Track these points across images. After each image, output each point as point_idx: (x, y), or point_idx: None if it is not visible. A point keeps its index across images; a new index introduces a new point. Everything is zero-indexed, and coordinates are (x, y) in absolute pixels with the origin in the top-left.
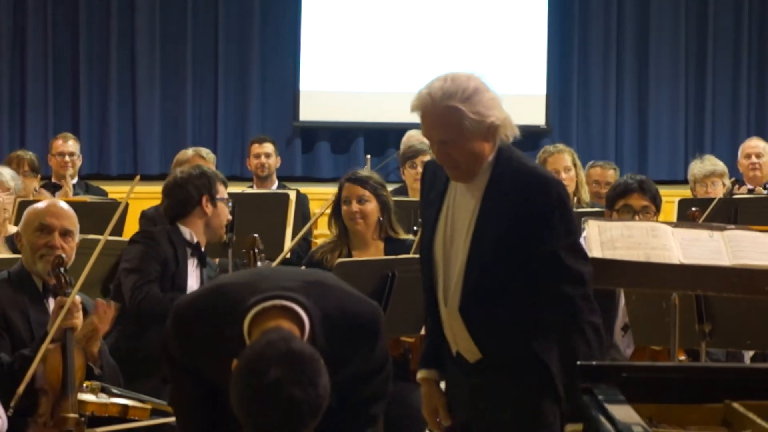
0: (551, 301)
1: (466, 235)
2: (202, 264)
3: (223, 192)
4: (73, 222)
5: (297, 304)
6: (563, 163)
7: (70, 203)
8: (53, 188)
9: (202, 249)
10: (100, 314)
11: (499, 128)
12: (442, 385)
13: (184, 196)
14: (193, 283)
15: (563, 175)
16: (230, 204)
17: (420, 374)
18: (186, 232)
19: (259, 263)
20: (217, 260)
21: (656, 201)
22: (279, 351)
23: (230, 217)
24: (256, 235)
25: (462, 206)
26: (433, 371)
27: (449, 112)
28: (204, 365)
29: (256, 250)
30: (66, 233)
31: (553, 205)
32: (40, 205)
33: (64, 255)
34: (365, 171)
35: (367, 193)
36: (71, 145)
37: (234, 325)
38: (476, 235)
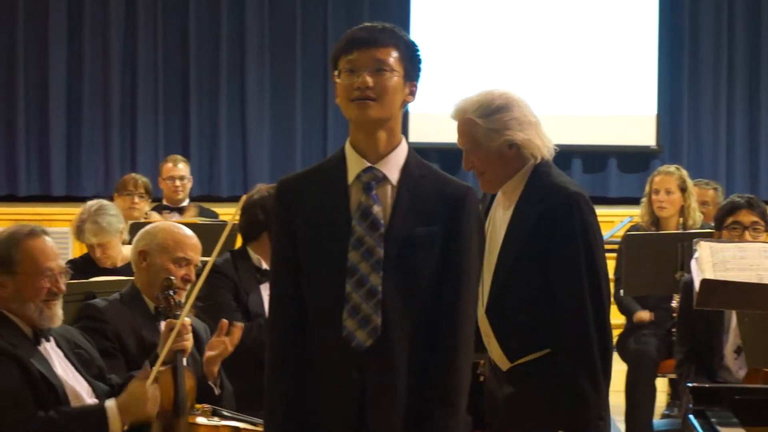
0: (561, 323)
1: (499, 243)
2: None
3: None
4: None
5: None
6: (666, 185)
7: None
8: (166, 211)
9: None
10: (227, 337)
11: (520, 147)
12: None
13: (255, 218)
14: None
15: (663, 196)
16: None
17: None
18: (254, 256)
19: None
20: None
21: (765, 218)
22: None
23: None
24: None
25: (499, 218)
26: None
27: (467, 124)
28: (305, 211)
29: None
30: (196, 266)
31: (573, 219)
32: (178, 232)
33: (173, 278)
34: None
35: None
36: (181, 168)
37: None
38: (506, 241)
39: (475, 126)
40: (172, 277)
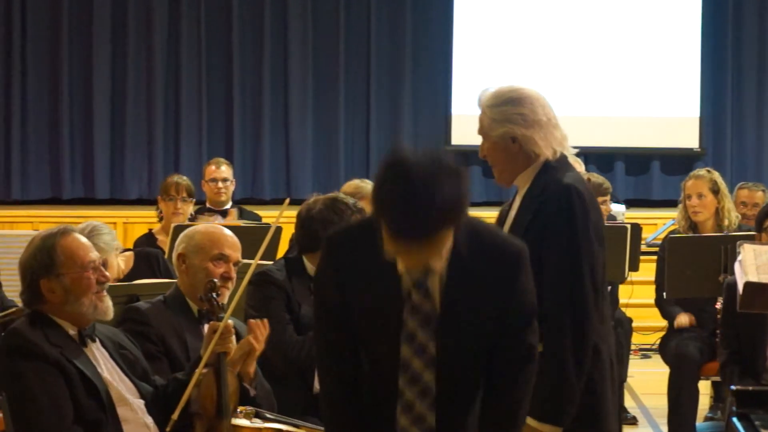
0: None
1: None
2: None
3: None
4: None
5: None
6: (697, 189)
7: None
8: (208, 213)
9: None
10: (256, 334)
11: (521, 141)
12: None
13: (315, 234)
14: None
15: (695, 201)
16: None
17: None
18: (309, 266)
19: None
20: None
21: None
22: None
23: None
24: None
25: (513, 212)
26: None
27: (481, 112)
28: (355, 283)
29: None
30: (236, 264)
31: (561, 209)
32: (214, 231)
33: (216, 280)
34: None
35: None
36: (224, 170)
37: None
38: (510, 234)
39: (484, 114)
40: (215, 280)
